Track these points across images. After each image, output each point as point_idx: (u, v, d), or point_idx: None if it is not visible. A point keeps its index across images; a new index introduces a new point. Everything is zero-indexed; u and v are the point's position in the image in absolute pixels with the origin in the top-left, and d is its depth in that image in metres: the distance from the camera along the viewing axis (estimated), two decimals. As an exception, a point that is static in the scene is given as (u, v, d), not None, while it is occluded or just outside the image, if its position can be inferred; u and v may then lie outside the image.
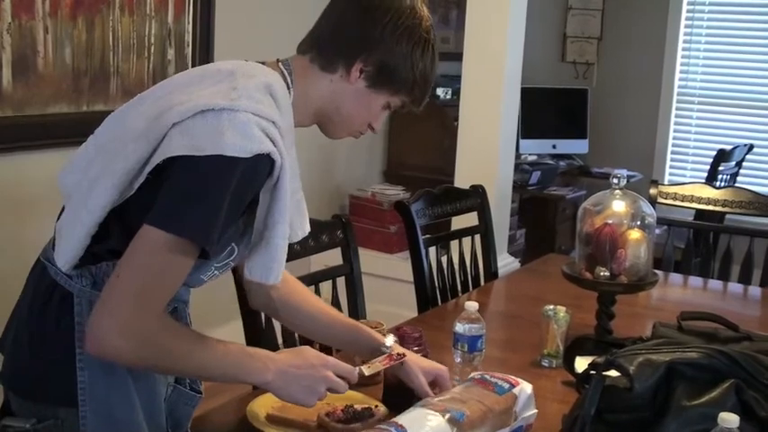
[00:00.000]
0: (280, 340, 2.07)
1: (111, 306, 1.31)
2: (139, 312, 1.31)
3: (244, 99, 1.36)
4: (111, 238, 1.40)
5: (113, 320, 1.31)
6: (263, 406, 1.63)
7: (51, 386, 1.44)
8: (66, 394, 1.41)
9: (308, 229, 1.61)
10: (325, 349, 1.85)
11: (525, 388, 1.62)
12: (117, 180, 1.37)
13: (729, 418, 1.22)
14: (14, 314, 1.52)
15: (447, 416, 1.44)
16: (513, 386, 1.60)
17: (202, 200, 1.31)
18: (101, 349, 1.33)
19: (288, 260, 2.13)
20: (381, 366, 1.62)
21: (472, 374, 1.67)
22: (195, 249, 1.33)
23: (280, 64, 1.52)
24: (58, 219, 1.50)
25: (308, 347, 1.54)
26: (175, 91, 1.42)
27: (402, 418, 1.44)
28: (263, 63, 1.52)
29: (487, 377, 1.62)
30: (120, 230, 1.39)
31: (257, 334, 2.00)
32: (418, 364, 1.66)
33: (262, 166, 1.36)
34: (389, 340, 1.69)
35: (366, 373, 1.57)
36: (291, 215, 1.51)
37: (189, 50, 3.47)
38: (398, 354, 1.64)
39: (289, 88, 1.49)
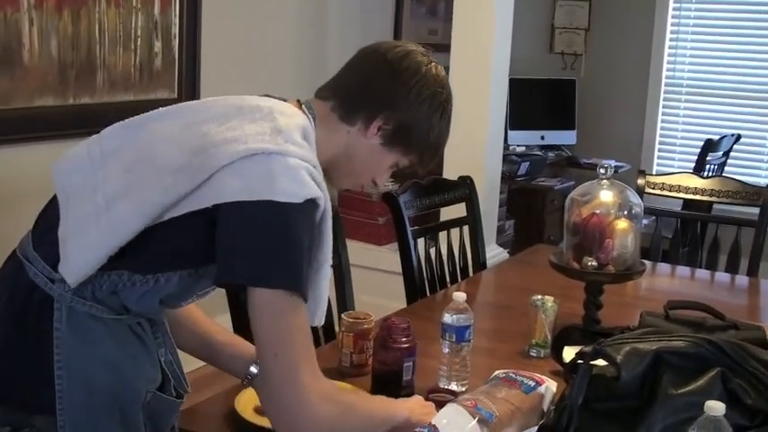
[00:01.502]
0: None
1: (294, 381, 1.33)
2: (315, 375, 1.36)
3: (290, 144, 1.37)
4: (120, 255, 1.37)
5: (304, 394, 1.33)
6: (252, 398, 1.63)
7: (28, 393, 1.40)
8: (43, 402, 1.37)
9: (330, 273, 1.59)
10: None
11: (551, 386, 1.62)
12: (150, 210, 1.35)
13: (715, 406, 1.23)
14: None
15: (478, 416, 1.46)
16: (539, 384, 1.61)
17: (287, 249, 1.33)
18: (306, 425, 1.35)
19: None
20: None
21: (497, 372, 1.67)
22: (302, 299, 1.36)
23: (303, 107, 1.51)
24: (42, 220, 1.46)
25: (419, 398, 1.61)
26: (213, 122, 1.40)
27: (435, 417, 1.47)
28: (284, 100, 1.51)
29: (513, 375, 1.63)
30: (134, 252, 1.36)
31: (246, 328, 1.99)
32: None
33: (312, 211, 1.37)
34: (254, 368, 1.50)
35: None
36: None
37: (176, 43, 3.45)
38: None
39: (313, 131, 1.48)
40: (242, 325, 1.95)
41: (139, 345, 1.46)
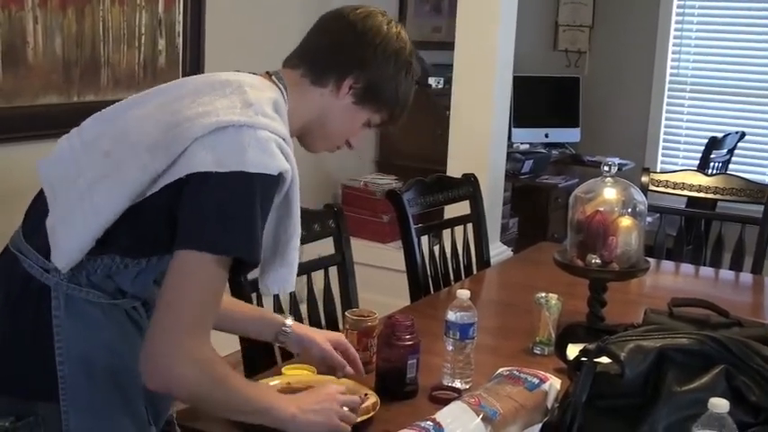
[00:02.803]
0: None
1: (171, 336, 1.34)
2: (198, 339, 1.36)
3: (261, 116, 1.40)
4: (106, 239, 1.39)
5: (176, 350, 1.34)
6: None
7: (30, 382, 1.42)
8: (45, 389, 1.40)
9: (298, 244, 1.61)
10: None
11: (555, 383, 1.62)
12: (130, 188, 1.37)
13: (719, 404, 1.23)
14: None
15: (482, 414, 1.47)
16: (543, 381, 1.61)
17: (238, 216, 1.35)
18: (165, 380, 1.36)
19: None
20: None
21: (500, 370, 1.68)
22: (229, 265, 1.37)
23: (273, 78, 1.54)
24: (32, 213, 1.48)
25: (318, 387, 1.59)
26: (185, 99, 1.43)
27: (439, 415, 1.46)
28: (254, 74, 1.54)
29: (517, 372, 1.63)
30: (121, 233, 1.39)
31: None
32: (325, 337, 1.77)
33: (275, 184, 1.40)
34: (289, 320, 1.76)
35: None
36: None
37: (180, 40, 3.46)
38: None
39: (285, 102, 1.51)
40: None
41: (136, 329, 1.49)
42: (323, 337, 1.76)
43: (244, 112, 1.39)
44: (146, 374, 1.36)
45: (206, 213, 1.34)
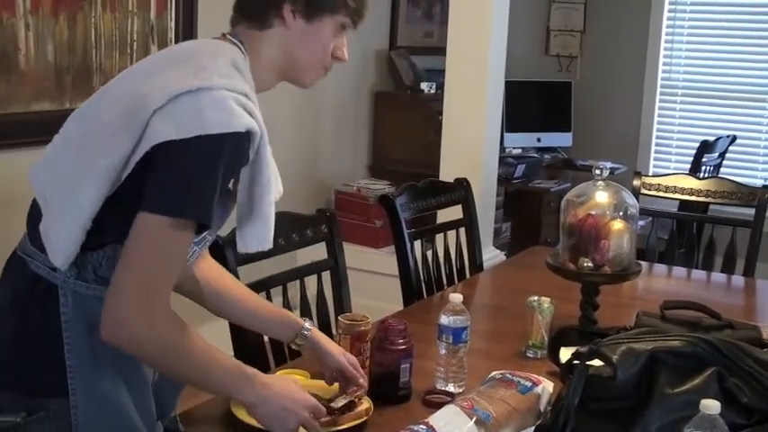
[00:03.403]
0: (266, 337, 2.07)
1: (125, 296, 1.36)
2: (154, 303, 1.37)
3: (216, 77, 1.40)
4: (102, 229, 1.42)
5: (130, 309, 1.35)
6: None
7: (40, 378, 1.45)
8: (55, 385, 1.43)
9: (281, 190, 1.62)
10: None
11: (547, 386, 1.63)
12: (105, 175, 1.39)
13: (711, 405, 1.23)
14: None
15: (475, 417, 1.47)
16: (535, 384, 1.62)
17: (196, 179, 1.36)
18: (118, 336, 1.37)
19: (273, 255, 2.15)
20: (350, 397, 1.65)
21: (493, 373, 1.68)
22: (193, 228, 1.39)
23: (229, 36, 1.56)
24: (32, 217, 1.50)
25: (294, 384, 1.58)
26: (143, 78, 1.45)
27: (432, 419, 1.47)
28: (213, 39, 1.57)
29: (509, 376, 1.63)
30: (113, 221, 1.41)
31: (242, 331, 2.00)
32: (341, 352, 1.75)
33: (245, 140, 1.41)
34: (308, 323, 1.76)
35: (337, 406, 1.62)
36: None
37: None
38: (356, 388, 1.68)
39: (245, 57, 1.53)
40: (239, 328, 1.96)
41: None
42: (340, 351, 1.75)
43: (196, 76, 1.40)
44: (101, 329, 1.38)
45: (166, 179, 1.36)
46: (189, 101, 1.37)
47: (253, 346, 1.99)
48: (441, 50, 4.05)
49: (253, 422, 1.57)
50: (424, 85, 4.71)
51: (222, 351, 1.49)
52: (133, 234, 1.37)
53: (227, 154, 1.37)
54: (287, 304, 2.17)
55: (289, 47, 1.55)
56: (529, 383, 1.61)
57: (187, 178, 1.36)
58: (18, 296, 1.47)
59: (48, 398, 1.44)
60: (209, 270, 1.73)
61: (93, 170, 1.40)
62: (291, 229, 2.23)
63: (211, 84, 1.39)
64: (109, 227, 1.42)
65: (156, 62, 1.51)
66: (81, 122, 1.49)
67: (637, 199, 2.25)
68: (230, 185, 1.46)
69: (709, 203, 3.38)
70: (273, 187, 1.54)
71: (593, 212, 2.04)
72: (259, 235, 1.55)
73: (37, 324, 1.45)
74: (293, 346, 1.77)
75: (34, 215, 1.50)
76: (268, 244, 1.58)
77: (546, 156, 5.28)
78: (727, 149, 4.94)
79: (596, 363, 1.44)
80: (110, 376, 1.44)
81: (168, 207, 1.35)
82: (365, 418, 1.62)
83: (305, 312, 2.25)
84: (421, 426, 1.45)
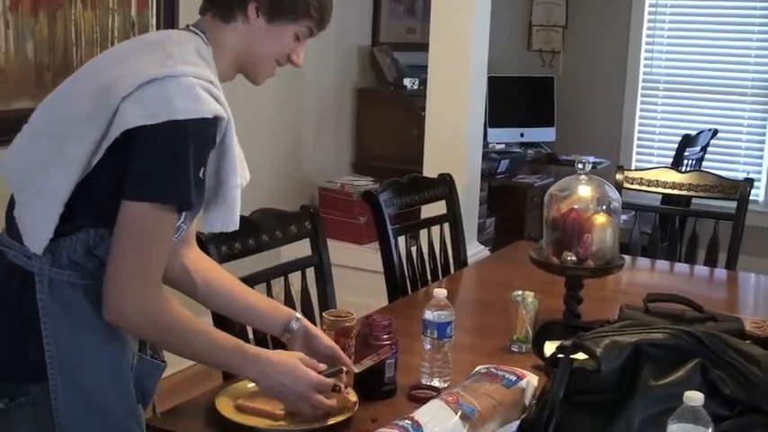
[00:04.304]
0: (250, 335, 2.07)
1: (119, 282, 1.42)
2: (145, 289, 1.44)
3: (181, 65, 1.45)
4: (74, 214, 1.45)
5: (126, 295, 1.42)
6: (233, 396, 1.64)
7: (20, 364, 1.47)
8: (35, 370, 1.45)
9: (248, 176, 1.67)
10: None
11: (532, 380, 1.63)
12: (76, 161, 1.43)
13: (694, 396, 1.24)
14: None
15: (460, 412, 1.47)
16: (520, 378, 1.62)
17: (170, 164, 1.41)
18: (119, 320, 1.45)
19: (256, 251, 2.15)
20: (370, 362, 1.69)
21: (478, 368, 1.68)
22: (175, 213, 1.45)
23: (191, 27, 1.59)
24: (9, 209, 1.53)
25: (298, 361, 1.60)
26: (111, 66, 1.49)
27: (418, 414, 1.47)
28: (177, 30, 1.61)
29: (494, 370, 1.64)
30: (85, 206, 1.45)
31: (227, 329, 1.99)
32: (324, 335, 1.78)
33: (212, 126, 1.45)
34: (297, 320, 1.75)
35: (357, 371, 1.67)
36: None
37: (153, 44, 3.44)
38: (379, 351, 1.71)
39: (207, 48, 1.56)
40: (224, 326, 1.96)
41: None
42: (327, 336, 1.78)
43: (164, 64, 1.44)
44: (106, 313, 1.44)
45: (142, 165, 1.41)
46: (157, 88, 1.41)
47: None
48: (423, 46, 4.06)
49: (236, 418, 1.57)
50: (406, 81, 4.71)
51: (221, 331, 1.58)
52: (120, 223, 1.42)
53: (197, 139, 1.42)
54: (271, 301, 2.16)
55: (248, 42, 1.59)
56: (513, 377, 1.62)
57: (161, 164, 1.41)
58: None
59: (28, 383, 1.46)
60: (200, 262, 1.75)
61: (63, 156, 1.43)
62: (275, 225, 2.22)
63: (178, 71, 1.43)
64: (80, 212, 1.45)
65: (124, 51, 1.55)
66: (49, 111, 1.52)
67: (619, 193, 2.26)
68: (201, 174, 1.48)
69: (691, 197, 3.40)
70: (239, 172, 1.58)
71: (576, 207, 2.05)
72: (224, 217, 1.60)
73: (15, 311, 1.47)
74: (283, 338, 1.76)
75: (10, 207, 1.54)
76: (233, 225, 1.62)
77: (529, 151, 5.29)
78: (708, 143, 4.96)
79: (580, 356, 1.45)
80: (88, 360, 1.47)
81: (148, 193, 1.41)
82: (350, 414, 1.62)
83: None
84: (406, 421, 1.45)
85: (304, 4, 1.59)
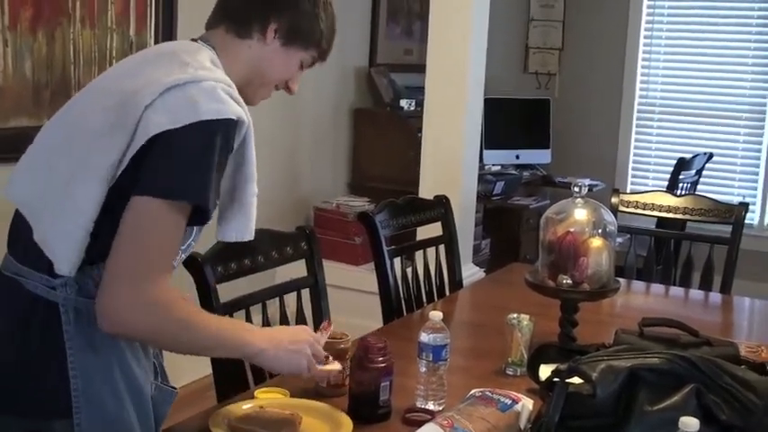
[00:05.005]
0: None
1: (122, 282, 1.36)
2: (153, 283, 1.37)
3: (200, 70, 1.45)
4: (98, 239, 1.40)
5: (127, 296, 1.36)
6: (226, 418, 1.63)
7: (44, 400, 1.44)
8: (60, 405, 1.42)
9: (256, 190, 1.63)
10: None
11: (527, 404, 1.63)
12: (100, 173, 1.39)
13: (690, 422, 1.24)
14: None
15: None
16: (515, 402, 1.62)
17: (192, 163, 1.38)
18: (116, 325, 1.38)
19: (252, 272, 2.14)
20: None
21: (473, 391, 1.68)
22: (187, 215, 1.40)
23: (199, 41, 1.58)
24: (16, 235, 1.49)
25: (297, 327, 1.65)
26: (125, 79, 1.47)
27: None
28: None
29: (489, 393, 1.63)
30: (110, 230, 1.39)
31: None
32: None
33: (234, 128, 1.43)
34: None
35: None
36: None
37: (151, 63, 3.45)
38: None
39: (218, 59, 1.56)
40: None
41: None
42: None
43: (183, 71, 1.43)
44: (101, 321, 1.38)
45: (163, 164, 1.38)
46: (180, 93, 1.40)
47: (232, 364, 1.97)
48: (420, 68, 4.07)
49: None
50: (403, 103, 4.73)
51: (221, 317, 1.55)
52: (128, 218, 1.37)
53: (221, 140, 1.40)
54: (266, 322, 2.16)
55: (258, 62, 1.59)
56: (509, 401, 1.61)
57: (184, 163, 1.38)
58: (14, 318, 1.45)
59: (51, 419, 1.43)
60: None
61: (86, 171, 1.40)
62: (271, 246, 2.22)
63: (199, 76, 1.42)
64: (105, 238, 1.39)
65: (136, 63, 1.54)
66: (61, 129, 1.50)
67: (615, 216, 2.26)
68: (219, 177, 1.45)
69: (686, 221, 3.41)
70: (255, 179, 1.56)
71: (572, 230, 2.05)
72: (240, 225, 1.57)
73: (39, 346, 1.43)
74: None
75: (18, 232, 1.49)
76: (249, 235, 1.59)
77: (525, 173, 5.30)
78: (703, 167, 4.99)
79: (576, 380, 1.44)
80: (113, 393, 1.44)
81: (165, 190, 1.37)
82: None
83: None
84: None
85: (318, 34, 1.62)
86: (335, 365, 1.68)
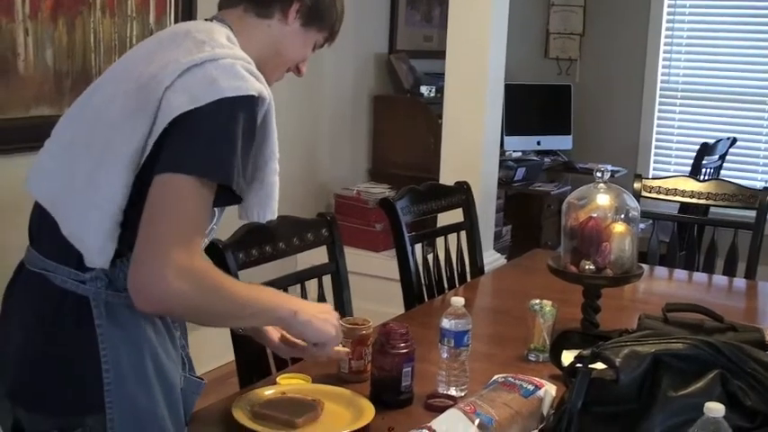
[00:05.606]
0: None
1: (153, 253, 1.32)
2: (186, 252, 1.33)
3: (217, 48, 1.43)
4: (127, 232, 1.39)
5: (159, 267, 1.32)
6: (249, 403, 1.64)
7: (75, 396, 1.42)
8: (92, 401, 1.40)
9: (277, 168, 1.61)
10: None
11: (550, 390, 1.62)
12: (125, 160, 1.38)
13: (715, 408, 1.23)
14: (8, 335, 1.48)
15: (477, 421, 1.46)
16: (538, 388, 1.61)
17: (214, 141, 1.36)
18: (151, 299, 1.34)
19: (273, 258, 2.15)
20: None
21: (496, 377, 1.68)
22: (212, 192, 1.37)
23: (214, 21, 1.56)
24: (38, 229, 1.48)
25: (330, 307, 1.67)
26: (142, 63, 1.45)
27: (435, 423, 1.46)
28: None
29: (512, 379, 1.63)
30: (138, 222, 1.37)
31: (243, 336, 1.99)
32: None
33: (255, 104, 1.41)
34: None
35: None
36: None
37: (171, 51, 3.45)
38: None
39: (235, 38, 1.53)
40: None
41: (166, 330, 1.51)
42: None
43: (201, 50, 1.42)
44: (137, 299, 1.34)
45: (185, 143, 1.36)
46: (198, 72, 1.38)
47: (254, 351, 1.98)
48: (440, 54, 4.05)
49: (253, 426, 1.56)
50: (423, 89, 4.71)
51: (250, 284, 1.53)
52: (152, 195, 1.34)
53: (243, 117, 1.38)
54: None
55: (278, 42, 1.58)
56: (531, 387, 1.61)
57: (206, 141, 1.35)
58: (42, 314, 1.44)
59: (83, 415, 1.42)
60: None
61: (111, 159, 1.38)
62: (292, 232, 2.22)
63: (216, 54, 1.41)
64: (134, 226, 1.37)
65: (153, 45, 1.51)
66: (80, 120, 1.48)
67: (637, 201, 2.24)
68: (249, 153, 1.43)
69: (709, 206, 3.38)
70: (277, 157, 1.54)
71: (594, 215, 2.04)
72: (262, 204, 1.54)
73: (70, 341, 1.42)
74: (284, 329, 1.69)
75: (41, 227, 1.48)
76: (271, 214, 1.56)
77: (546, 159, 5.28)
78: (727, 151, 4.94)
79: (599, 366, 1.44)
80: (145, 387, 1.43)
81: (188, 167, 1.34)
82: (367, 422, 1.61)
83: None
84: (423, 430, 1.44)
85: (334, 16, 1.62)
86: (344, 348, 1.73)
